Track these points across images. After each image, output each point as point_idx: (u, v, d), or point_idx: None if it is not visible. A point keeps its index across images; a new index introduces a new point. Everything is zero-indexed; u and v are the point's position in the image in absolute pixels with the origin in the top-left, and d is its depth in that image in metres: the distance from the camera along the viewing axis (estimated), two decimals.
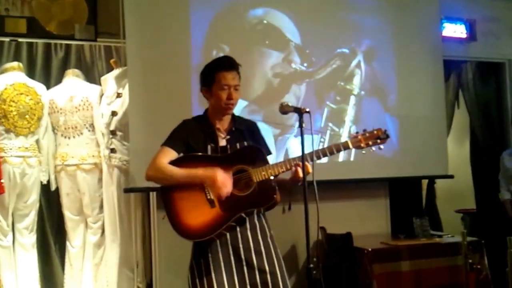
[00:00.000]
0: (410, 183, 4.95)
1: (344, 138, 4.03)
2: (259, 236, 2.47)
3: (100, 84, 4.03)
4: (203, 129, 2.53)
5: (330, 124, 4.20)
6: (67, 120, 3.89)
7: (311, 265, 2.31)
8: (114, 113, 3.84)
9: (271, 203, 2.44)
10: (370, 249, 3.78)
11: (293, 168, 2.43)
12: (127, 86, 3.79)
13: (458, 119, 5.43)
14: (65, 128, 3.90)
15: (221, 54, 3.54)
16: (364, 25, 4.42)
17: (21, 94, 3.76)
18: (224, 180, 2.36)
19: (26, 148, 3.76)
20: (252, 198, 2.40)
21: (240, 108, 3.57)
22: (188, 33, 3.91)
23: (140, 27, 3.81)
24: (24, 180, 3.73)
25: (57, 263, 4.06)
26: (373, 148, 2.54)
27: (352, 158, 4.22)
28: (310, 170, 2.43)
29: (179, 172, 2.41)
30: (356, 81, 4.36)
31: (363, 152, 2.55)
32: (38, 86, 3.88)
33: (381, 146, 2.54)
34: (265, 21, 4.10)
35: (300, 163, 2.38)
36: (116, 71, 3.96)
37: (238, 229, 2.43)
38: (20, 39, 3.99)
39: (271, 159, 2.57)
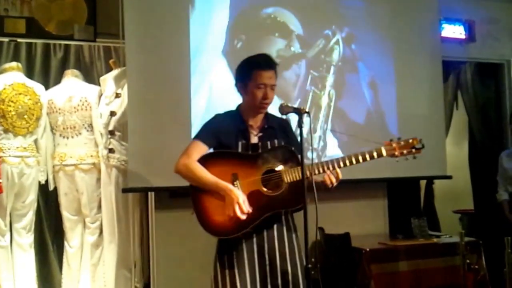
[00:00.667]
0: (409, 184, 4.95)
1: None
2: (285, 237, 2.46)
3: (99, 85, 4.04)
4: (235, 125, 2.50)
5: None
6: (65, 120, 3.89)
7: (309, 265, 2.31)
8: (112, 113, 3.84)
9: (301, 205, 2.39)
10: (368, 249, 3.78)
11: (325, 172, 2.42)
12: (126, 87, 3.80)
13: (456, 119, 5.44)
14: (63, 128, 3.91)
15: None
16: (364, 25, 4.43)
17: (20, 94, 3.77)
18: (241, 207, 2.32)
19: (25, 148, 3.76)
20: (282, 198, 2.38)
21: None
22: (187, 34, 3.92)
23: (139, 27, 3.82)
24: (22, 180, 3.74)
25: (54, 263, 4.06)
26: (407, 158, 2.52)
27: None
28: (341, 176, 2.44)
29: (207, 180, 2.39)
30: (351, 78, 4.39)
31: (397, 160, 2.52)
32: (37, 86, 3.88)
33: (416, 156, 2.52)
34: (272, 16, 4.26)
35: (330, 167, 2.41)
36: (115, 72, 3.96)
37: (265, 228, 2.41)
38: (19, 39, 4.00)
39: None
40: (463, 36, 5.13)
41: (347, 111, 4.36)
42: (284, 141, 2.53)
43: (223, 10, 4.06)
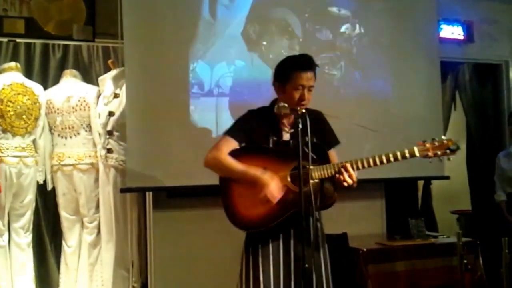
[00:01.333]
0: (406, 184, 4.95)
1: None
2: (311, 234, 2.40)
3: (97, 85, 4.05)
4: (267, 122, 2.48)
5: None
6: (64, 120, 3.90)
7: (306, 265, 2.32)
8: (111, 113, 3.85)
9: (329, 202, 2.40)
10: (365, 250, 3.79)
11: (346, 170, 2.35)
12: (124, 87, 3.80)
13: (454, 120, 5.44)
14: (62, 128, 3.92)
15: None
16: (362, 25, 4.44)
17: (19, 94, 3.77)
18: (273, 192, 2.31)
19: (23, 148, 3.77)
20: (309, 195, 2.32)
21: None
22: (186, 34, 3.93)
23: (137, 28, 3.82)
24: (21, 180, 3.74)
25: (52, 262, 4.07)
26: (441, 159, 2.44)
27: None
28: (355, 178, 2.37)
29: (237, 168, 2.38)
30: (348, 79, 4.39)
31: (430, 161, 2.44)
32: (35, 86, 3.89)
33: (451, 157, 2.45)
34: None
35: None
36: (113, 72, 3.97)
37: (291, 224, 2.38)
38: (18, 40, 4.01)
39: (339, 148, 2.54)
40: (461, 37, 5.13)
41: (345, 111, 4.36)
42: (317, 136, 2.47)
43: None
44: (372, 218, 4.53)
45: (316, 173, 2.35)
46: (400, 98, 4.52)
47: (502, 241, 3.65)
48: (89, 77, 4.16)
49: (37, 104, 3.85)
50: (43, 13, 4.05)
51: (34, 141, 3.87)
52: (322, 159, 2.41)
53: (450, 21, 5.08)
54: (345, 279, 3.80)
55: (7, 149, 3.71)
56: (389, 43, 4.53)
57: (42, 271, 4.02)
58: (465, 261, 3.75)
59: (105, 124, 3.86)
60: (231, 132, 2.49)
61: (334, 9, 4.40)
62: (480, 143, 5.34)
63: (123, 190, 3.77)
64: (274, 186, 2.33)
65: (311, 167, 2.32)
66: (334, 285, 2.57)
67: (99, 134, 3.90)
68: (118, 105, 3.86)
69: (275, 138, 2.46)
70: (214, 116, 3.95)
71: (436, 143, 2.41)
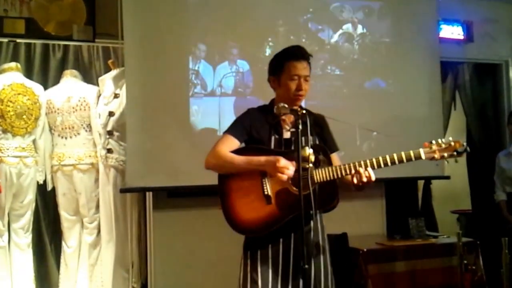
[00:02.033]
0: (406, 184, 4.95)
1: None
2: (311, 237, 2.39)
3: (97, 85, 4.05)
4: (268, 120, 2.44)
5: None
6: (64, 120, 3.90)
7: (306, 266, 2.32)
8: (111, 114, 3.85)
9: (330, 206, 2.36)
10: (365, 250, 3.79)
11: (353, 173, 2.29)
12: (124, 87, 3.81)
13: (454, 120, 5.44)
14: (62, 128, 3.92)
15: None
16: (364, 25, 4.45)
17: (19, 94, 3.78)
18: (286, 164, 2.23)
19: (23, 148, 3.77)
20: (310, 198, 2.27)
21: None
22: (186, 34, 3.93)
23: (138, 28, 3.83)
24: (21, 180, 3.74)
25: (52, 263, 4.06)
26: (447, 161, 2.36)
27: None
28: (373, 178, 2.29)
29: (239, 158, 2.34)
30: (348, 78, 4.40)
31: (437, 164, 2.39)
32: (35, 87, 3.89)
33: (458, 159, 2.33)
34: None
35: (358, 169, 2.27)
36: (113, 72, 3.98)
37: (292, 228, 2.33)
38: (18, 40, 4.01)
39: (339, 156, 2.49)
40: (461, 37, 5.13)
41: (346, 111, 4.37)
42: (318, 137, 2.47)
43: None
44: (372, 218, 4.54)
45: (318, 176, 2.31)
46: (400, 97, 4.52)
47: (502, 241, 3.66)
48: (89, 77, 4.16)
49: (37, 104, 3.85)
50: (43, 13, 4.05)
51: (34, 141, 3.87)
52: (324, 161, 2.37)
53: (450, 21, 5.08)
54: (345, 279, 3.80)
55: (7, 149, 3.71)
56: (389, 43, 4.53)
57: (42, 272, 4.02)
58: (465, 261, 3.75)
59: (105, 124, 3.86)
60: (231, 130, 2.46)
61: (336, 9, 4.41)
62: (480, 142, 5.34)
63: (123, 190, 3.78)
64: (285, 160, 2.26)
65: (312, 168, 2.28)
66: (334, 285, 2.55)
67: (99, 134, 3.90)
68: (118, 105, 3.87)
69: (276, 136, 2.43)
70: (217, 116, 3.96)
71: (443, 145, 2.31)
